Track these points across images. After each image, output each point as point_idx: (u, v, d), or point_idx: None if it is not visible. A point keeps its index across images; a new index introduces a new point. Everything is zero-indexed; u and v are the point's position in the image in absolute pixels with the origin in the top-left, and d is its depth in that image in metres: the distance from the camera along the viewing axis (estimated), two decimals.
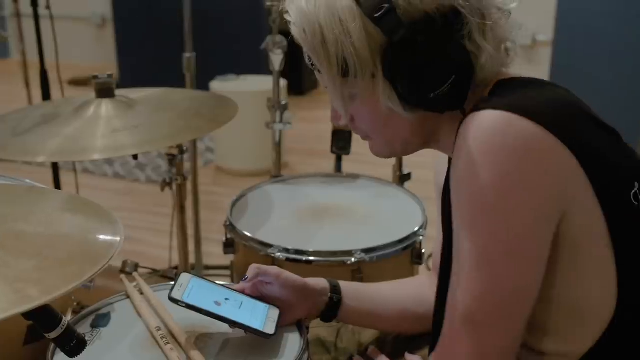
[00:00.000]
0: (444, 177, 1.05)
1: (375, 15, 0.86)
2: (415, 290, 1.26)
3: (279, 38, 1.98)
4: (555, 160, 0.83)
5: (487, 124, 0.83)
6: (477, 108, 0.86)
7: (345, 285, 1.20)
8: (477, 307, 0.87)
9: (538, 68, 4.55)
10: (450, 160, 1.06)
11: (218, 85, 3.72)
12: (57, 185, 2.42)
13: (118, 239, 0.84)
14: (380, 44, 0.88)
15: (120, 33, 5.35)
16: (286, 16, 0.95)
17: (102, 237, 0.85)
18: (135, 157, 1.57)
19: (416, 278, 1.41)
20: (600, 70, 3.53)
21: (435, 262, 1.24)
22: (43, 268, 0.73)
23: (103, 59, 6.04)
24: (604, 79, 3.33)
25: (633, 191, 0.87)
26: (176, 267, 2.14)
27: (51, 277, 0.72)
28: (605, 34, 3.56)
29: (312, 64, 0.95)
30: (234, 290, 1.14)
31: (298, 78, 5.27)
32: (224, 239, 1.68)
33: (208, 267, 2.64)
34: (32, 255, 0.75)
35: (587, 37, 3.59)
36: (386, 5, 0.86)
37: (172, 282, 1.09)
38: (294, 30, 0.94)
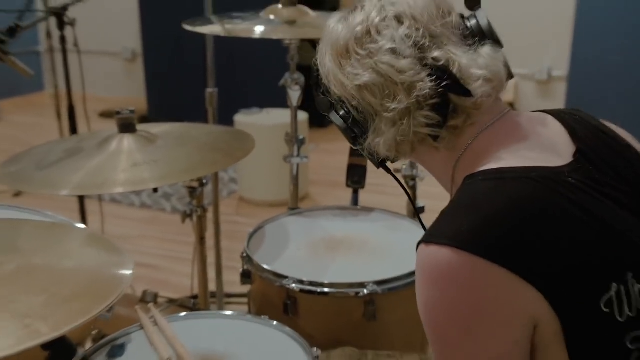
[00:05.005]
0: None
1: None
2: None
3: (297, 75, 2.03)
4: (505, 290, 0.83)
5: (433, 267, 0.89)
6: (426, 238, 0.92)
7: None
8: None
9: (554, 103, 4.55)
10: None
11: (242, 118, 3.78)
12: (83, 214, 2.48)
13: (129, 272, 0.88)
14: None
15: (149, 67, 5.49)
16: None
17: (113, 271, 0.88)
18: (155, 190, 1.62)
19: None
20: (615, 106, 3.53)
21: None
22: (50, 304, 0.77)
23: (133, 92, 6.17)
24: (618, 114, 3.35)
25: (607, 297, 0.83)
26: (195, 297, 2.18)
27: (59, 313, 0.75)
28: (619, 70, 3.56)
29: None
30: None
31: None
32: (241, 269, 1.72)
33: (229, 295, 2.67)
34: (41, 291, 0.79)
35: (601, 72, 3.59)
36: None
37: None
38: None
